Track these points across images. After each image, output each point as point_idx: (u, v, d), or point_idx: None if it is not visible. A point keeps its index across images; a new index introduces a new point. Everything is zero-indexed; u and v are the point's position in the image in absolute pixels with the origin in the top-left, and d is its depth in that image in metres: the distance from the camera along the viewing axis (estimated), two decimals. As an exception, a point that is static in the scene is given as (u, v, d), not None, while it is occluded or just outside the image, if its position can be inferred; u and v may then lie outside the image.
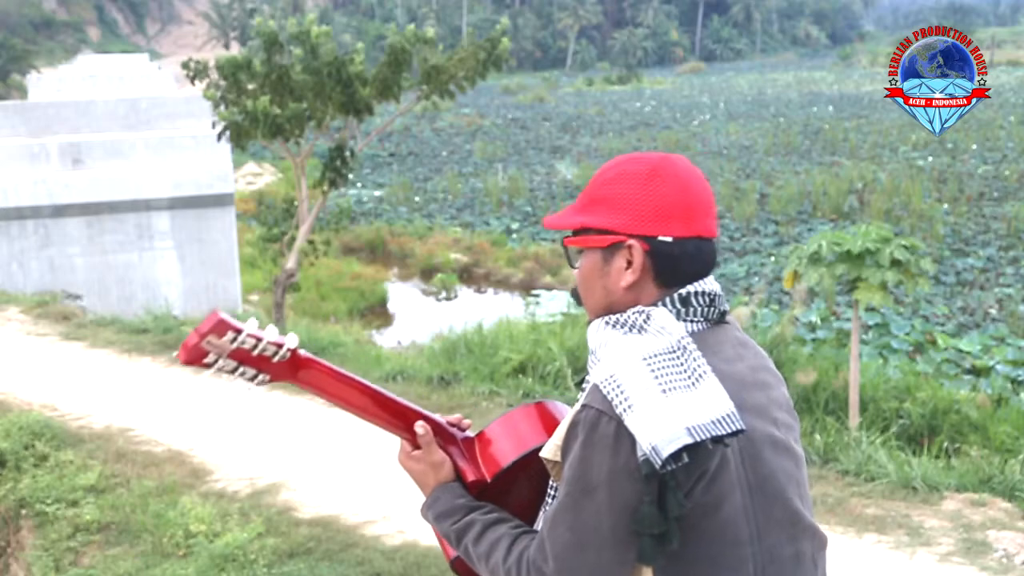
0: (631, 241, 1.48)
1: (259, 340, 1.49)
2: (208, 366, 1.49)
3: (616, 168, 1.53)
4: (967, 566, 4.49)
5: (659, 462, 1.31)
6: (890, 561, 4.59)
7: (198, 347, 1.46)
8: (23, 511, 5.59)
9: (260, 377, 1.52)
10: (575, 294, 1.62)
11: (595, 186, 1.54)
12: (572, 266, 1.58)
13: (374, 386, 1.62)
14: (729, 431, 1.34)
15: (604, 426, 1.38)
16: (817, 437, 6.13)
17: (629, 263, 1.48)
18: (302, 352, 1.54)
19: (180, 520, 5.05)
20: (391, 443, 1.70)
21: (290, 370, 1.54)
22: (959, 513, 5.00)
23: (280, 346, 1.51)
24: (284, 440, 6.24)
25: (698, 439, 1.32)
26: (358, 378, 1.61)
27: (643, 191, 1.48)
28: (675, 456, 1.31)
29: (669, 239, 1.47)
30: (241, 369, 1.50)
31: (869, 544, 4.74)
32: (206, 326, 1.46)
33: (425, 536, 4.76)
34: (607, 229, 1.49)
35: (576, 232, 1.55)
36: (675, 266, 1.48)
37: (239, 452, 6.15)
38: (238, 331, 1.47)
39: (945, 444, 7.55)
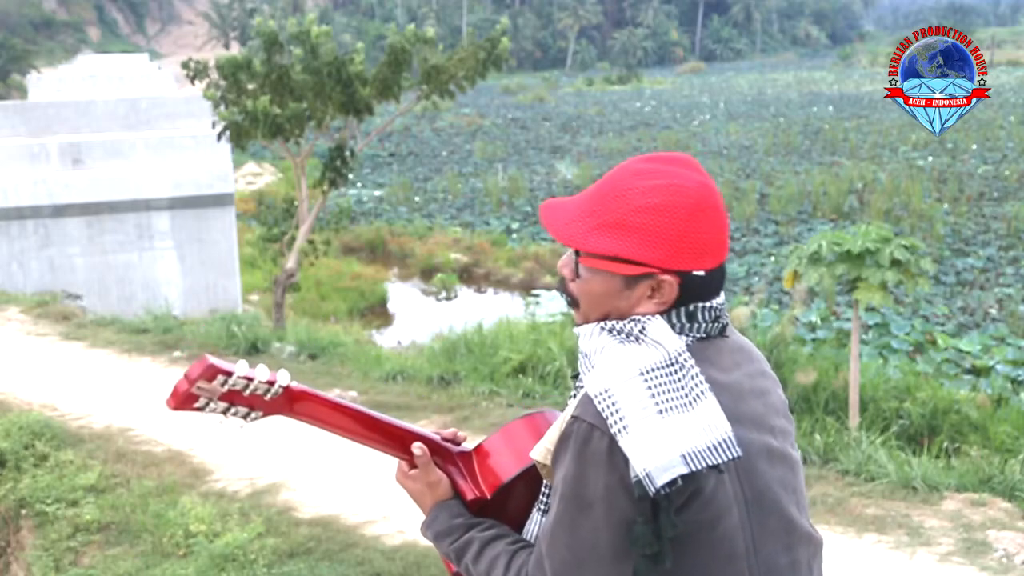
0: (666, 277, 1.42)
1: (250, 380, 1.48)
2: (199, 410, 1.48)
3: (653, 195, 1.41)
4: (967, 566, 4.49)
5: (653, 489, 1.30)
6: (890, 561, 4.59)
7: (188, 393, 1.45)
8: (23, 511, 5.59)
9: (253, 415, 1.52)
10: (563, 290, 1.54)
11: (624, 209, 1.42)
12: (576, 275, 1.49)
13: (368, 411, 1.62)
14: (725, 458, 1.33)
15: (597, 441, 1.37)
16: (817, 437, 6.13)
17: (653, 291, 1.43)
18: (295, 385, 1.53)
19: (180, 520, 5.05)
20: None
21: (284, 405, 1.53)
22: (959, 513, 5.00)
23: (272, 383, 1.50)
24: (284, 440, 6.23)
25: (694, 468, 1.31)
26: (353, 405, 1.61)
27: (686, 228, 1.41)
28: (669, 482, 1.31)
29: (702, 273, 1.43)
30: (233, 409, 1.49)
31: (869, 544, 4.74)
32: (195, 371, 1.44)
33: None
34: (640, 262, 1.41)
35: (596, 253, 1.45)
36: (698, 294, 1.45)
37: (239, 452, 6.15)
38: (228, 374, 1.46)
39: (945, 444, 7.55)
